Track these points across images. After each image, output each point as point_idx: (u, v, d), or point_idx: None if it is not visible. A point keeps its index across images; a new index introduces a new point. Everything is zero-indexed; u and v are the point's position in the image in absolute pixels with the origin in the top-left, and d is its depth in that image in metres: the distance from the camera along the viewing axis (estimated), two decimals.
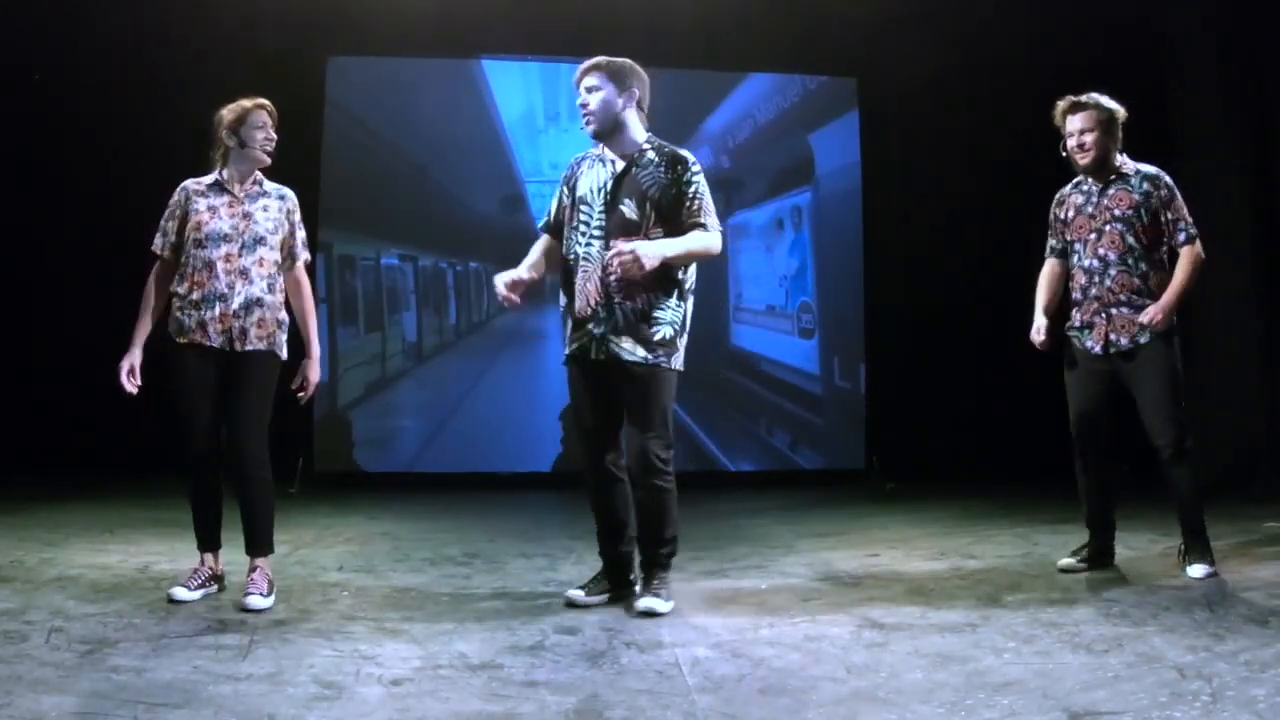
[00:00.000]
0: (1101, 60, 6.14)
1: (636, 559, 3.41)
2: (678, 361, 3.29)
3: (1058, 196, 3.90)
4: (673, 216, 3.24)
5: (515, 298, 3.28)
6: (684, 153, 3.31)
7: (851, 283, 7.53)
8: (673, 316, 3.26)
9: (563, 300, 3.40)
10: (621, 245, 3.12)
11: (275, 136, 3.42)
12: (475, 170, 7.27)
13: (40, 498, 5.44)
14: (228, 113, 3.38)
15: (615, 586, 3.38)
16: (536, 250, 3.46)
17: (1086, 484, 3.80)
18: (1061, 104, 3.74)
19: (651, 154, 3.29)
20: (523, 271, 3.35)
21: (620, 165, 3.29)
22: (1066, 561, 3.78)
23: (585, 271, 3.27)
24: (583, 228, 3.30)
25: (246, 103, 3.40)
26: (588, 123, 3.31)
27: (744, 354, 7.44)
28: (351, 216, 7.08)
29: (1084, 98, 3.69)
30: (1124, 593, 3.37)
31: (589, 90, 3.29)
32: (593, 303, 3.24)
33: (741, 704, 2.35)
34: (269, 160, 3.42)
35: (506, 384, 7.19)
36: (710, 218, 3.26)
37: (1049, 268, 3.91)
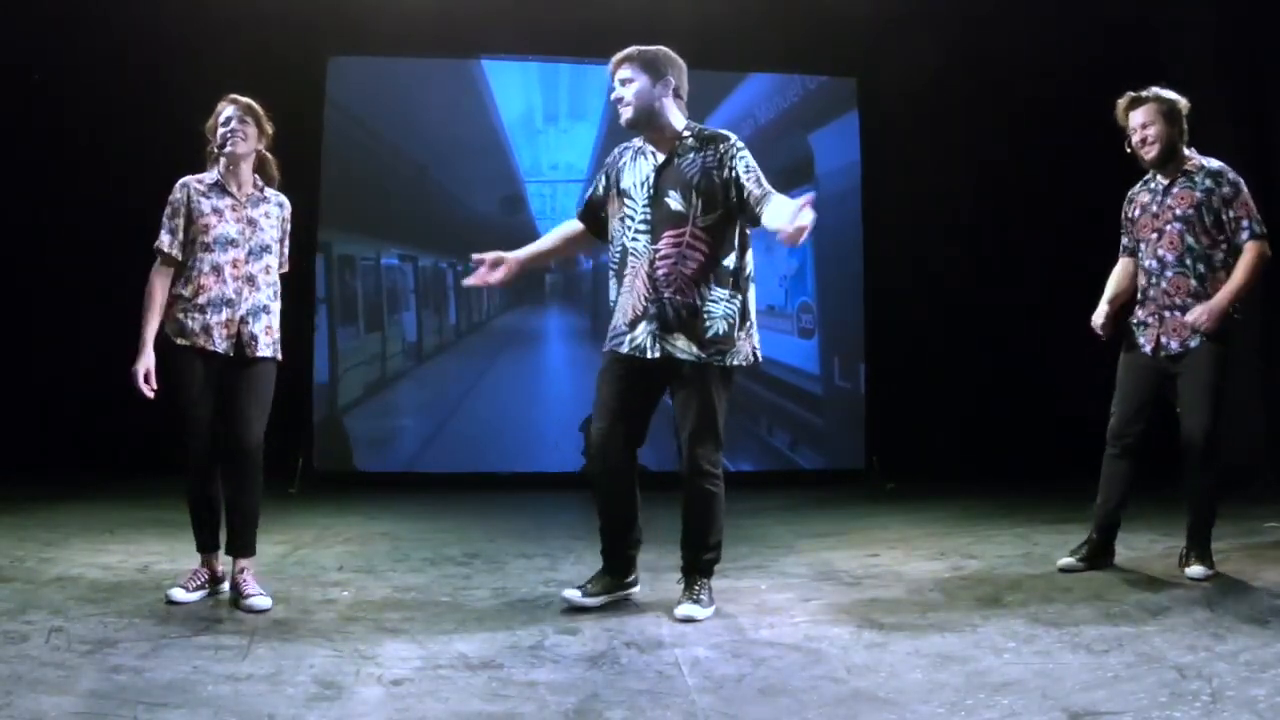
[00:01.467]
0: (1101, 60, 6.15)
1: (639, 560, 3.42)
2: (735, 358, 3.18)
3: (1129, 194, 3.82)
4: (721, 199, 3.13)
5: (493, 276, 3.27)
6: (722, 131, 3.23)
7: (851, 283, 7.53)
8: (726, 309, 3.14)
9: (613, 292, 3.29)
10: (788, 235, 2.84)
11: (238, 126, 3.32)
12: (475, 170, 7.27)
13: (40, 498, 5.44)
14: (213, 115, 3.40)
15: (615, 588, 3.31)
16: (553, 233, 3.46)
17: (1109, 474, 3.76)
18: (1122, 101, 3.68)
19: (691, 140, 3.21)
20: (517, 254, 3.34)
21: (661, 157, 3.21)
22: (1066, 561, 3.77)
23: (634, 267, 3.19)
24: (628, 221, 3.22)
25: (221, 101, 3.40)
26: (623, 114, 3.24)
27: None
28: (351, 216, 7.07)
29: (1143, 92, 3.64)
30: (1124, 593, 3.37)
31: (622, 82, 3.23)
32: (643, 300, 3.16)
33: (741, 704, 2.35)
34: (232, 150, 3.32)
35: (506, 384, 7.19)
36: (767, 184, 3.12)
37: (1120, 265, 3.85)
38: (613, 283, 3.30)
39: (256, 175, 3.44)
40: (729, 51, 7.26)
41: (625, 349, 3.18)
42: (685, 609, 3.13)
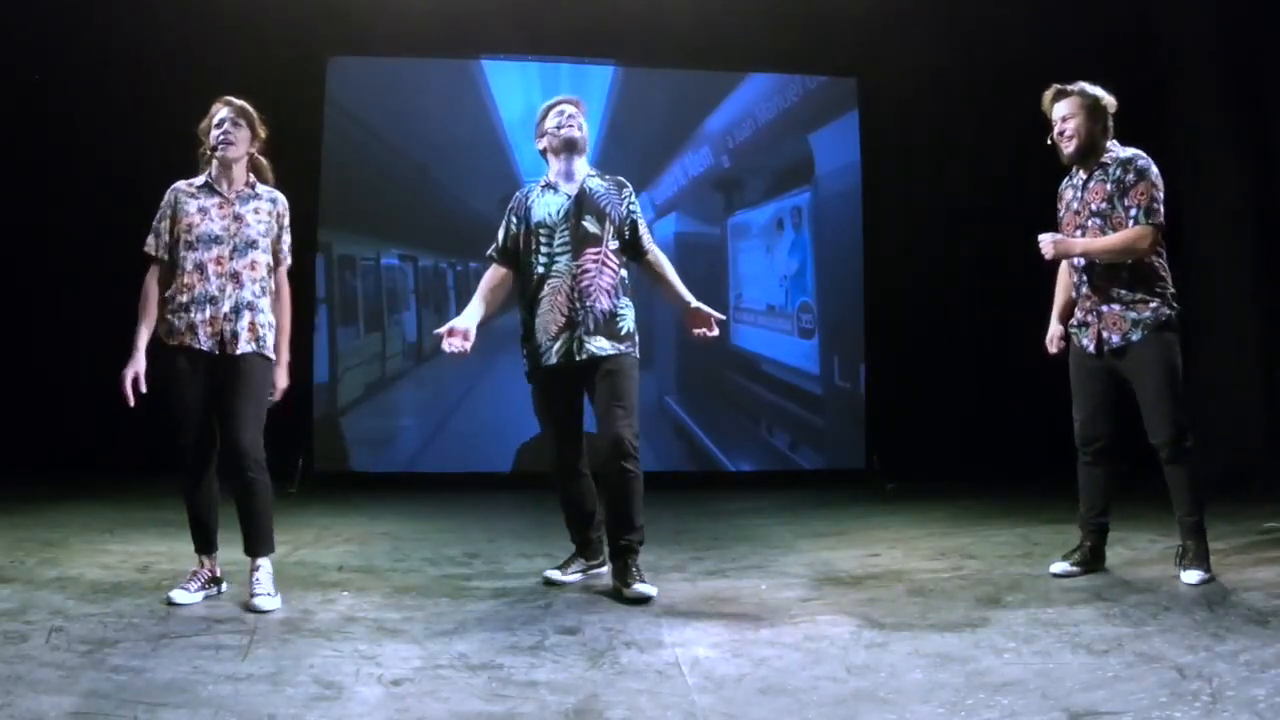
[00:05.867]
0: (1101, 60, 6.14)
1: (605, 542, 3.68)
2: (638, 351, 3.66)
3: (1059, 192, 3.83)
4: (623, 230, 3.67)
5: (460, 345, 3.50)
6: (621, 178, 3.78)
7: (851, 283, 7.54)
8: (629, 314, 3.63)
9: (525, 315, 3.65)
10: (705, 332, 3.60)
11: (231, 129, 3.34)
12: (475, 170, 7.26)
13: (40, 498, 5.44)
14: (206, 116, 3.40)
15: (587, 568, 3.79)
16: (482, 288, 3.70)
17: (1085, 482, 3.76)
18: (1047, 93, 3.70)
19: (598, 179, 3.72)
20: (463, 321, 3.55)
21: (574, 189, 3.68)
22: (1060, 566, 3.71)
23: (553, 286, 3.58)
24: (543, 248, 3.62)
25: (216, 103, 3.41)
26: (580, 135, 3.72)
27: (744, 354, 7.44)
28: (351, 216, 7.08)
29: (1069, 86, 3.65)
30: (1124, 593, 3.37)
31: (577, 115, 3.76)
32: (564, 313, 3.55)
33: (741, 704, 2.35)
34: (226, 152, 3.34)
35: (506, 384, 7.15)
36: (647, 234, 3.76)
37: (1063, 268, 3.84)
38: (523, 309, 3.68)
39: (251, 175, 3.44)
40: (729, 51, 7.27)
41: (555, 360, 3.55)
42: (639, 588, 3.38)
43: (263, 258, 3.37)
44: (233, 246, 3.31)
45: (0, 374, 6.50)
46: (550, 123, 3.77)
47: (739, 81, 7.57)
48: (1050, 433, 6.59)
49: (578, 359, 3.52)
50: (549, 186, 3.72)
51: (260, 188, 3.44)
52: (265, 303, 3.36)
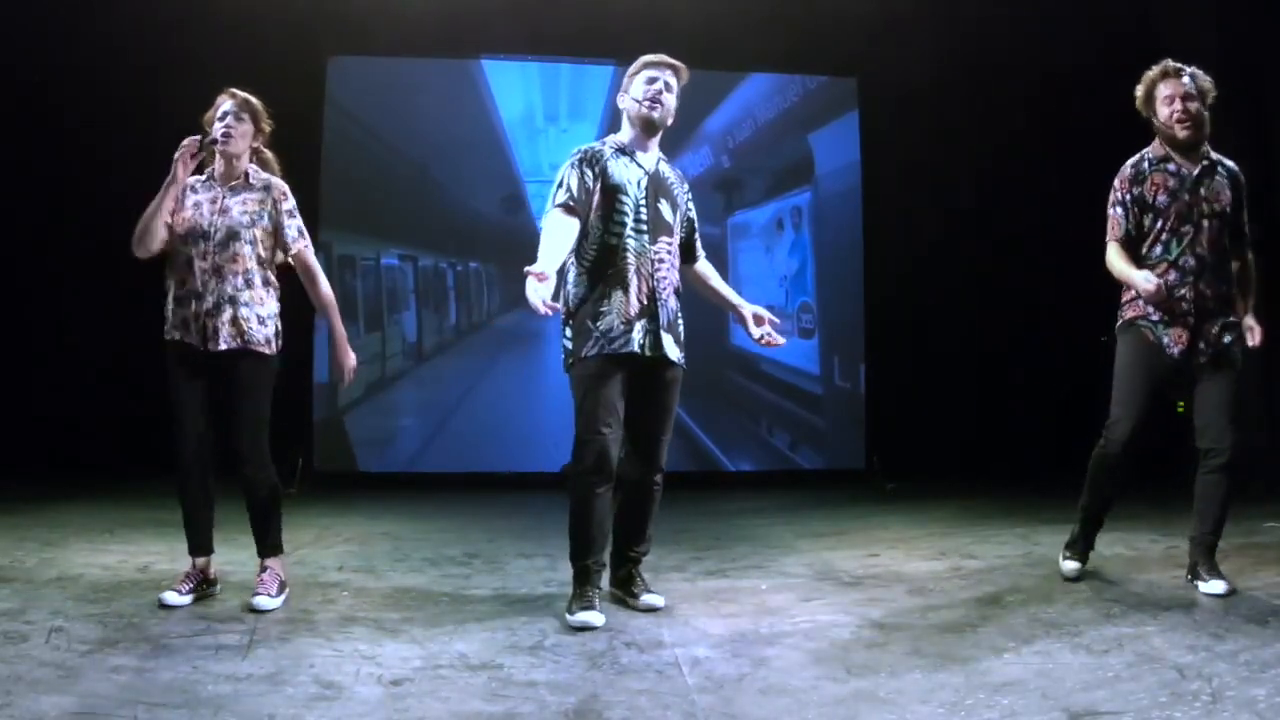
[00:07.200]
0: (1101, 60, 6.15)
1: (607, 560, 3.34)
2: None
3: (1133, 172, 3.39)
4: (682, 226, 3.40)
5: (546, 295, 2.88)
6: (680, 171, 3.49)
7: (851, 283, 7.55)
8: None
9: (585, 289, 3.20)
10: (772, 332, 3.32)
11: (233, 123, 3.30)
12: (475, 170, 7.27)
13: (40, 498, 5.44)
14: (212, 108, 3.38)
15: (596, 594, 3.18)
16: (557, 236, 3.11)
17: (1110, 479, 3.49)
18: (1170, 64, 3.36)
19: (667, 165, 3.40)
20: (550, 269, 2.97)
21: (651, 166, 3.31)
22: (1072, 567, 3.60)
23: (628, 264, 3.18)
24: (619, 218, 3.20)
25: (221, 94, 3.39)
26: (661, 114, 3.26)
27: (744, 354, 7.44)
28: (351, 216, 7.08)
29: (1188, 67, 3.37)
30: (1124, 593, 3.37)
31: (669, 89, 3.27)
32: (643, 299, 3.19)
33: (741, 704, 2.35)
34: (226, 147, 3.29)
35: (506, 384, 7.20)
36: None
37: (1124, 254, 3.35)
38: (585, 280, 3.20)
39: (255, 168, 3.39)
40: (729, 51, 7.26)
41: (634, 347, 3.16)
42: (649, 599, 3.26)
43: (247, 249, 3.27)
44: (216, 240, 3.26)
45: (0, 374, 6.50)
46: (638, 88, 3.27)
47: (739, 81, 7.58)
48: (1050, 433, 6.62)
49: (650, 354, 3.17)
50: (624, 151, 3.28)
51: (255, 178, 3.36)
52: (252, 295, 3.27)
